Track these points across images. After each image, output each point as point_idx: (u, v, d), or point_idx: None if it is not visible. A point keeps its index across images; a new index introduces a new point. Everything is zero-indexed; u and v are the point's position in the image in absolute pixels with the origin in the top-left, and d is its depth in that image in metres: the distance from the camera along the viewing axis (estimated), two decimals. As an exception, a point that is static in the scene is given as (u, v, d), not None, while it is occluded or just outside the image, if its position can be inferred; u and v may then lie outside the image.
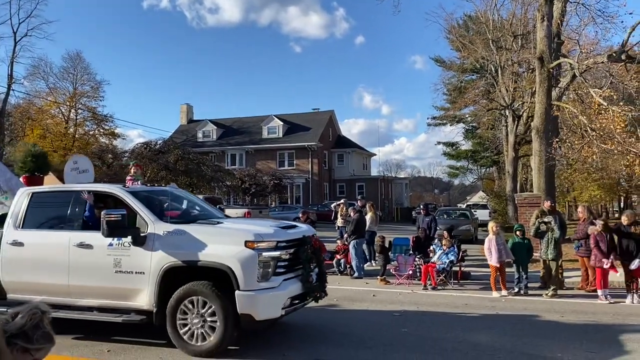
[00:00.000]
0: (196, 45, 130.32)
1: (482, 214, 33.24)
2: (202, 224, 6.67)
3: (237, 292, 5.87)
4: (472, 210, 29.89)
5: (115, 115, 72.52)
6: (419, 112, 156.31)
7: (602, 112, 15.63)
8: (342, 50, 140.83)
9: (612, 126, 14.90)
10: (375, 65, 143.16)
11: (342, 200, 18.13)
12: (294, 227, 7.10)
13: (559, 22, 17.58)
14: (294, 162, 46.14)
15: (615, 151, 15.39)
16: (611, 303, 9.77)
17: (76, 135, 43.42)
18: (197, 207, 8.07)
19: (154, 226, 6.35)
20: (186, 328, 6.10)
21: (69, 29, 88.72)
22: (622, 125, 15.03)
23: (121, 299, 6.43)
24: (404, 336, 7.21)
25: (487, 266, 11.72)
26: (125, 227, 6.22)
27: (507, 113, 35.62)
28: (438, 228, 14.85)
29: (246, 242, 6.02)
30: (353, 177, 49.64)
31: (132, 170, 8.02)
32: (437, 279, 11.84)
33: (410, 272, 12.54)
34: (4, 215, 7.44)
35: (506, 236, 12.32)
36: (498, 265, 10.99)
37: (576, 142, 17.18)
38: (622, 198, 51.20)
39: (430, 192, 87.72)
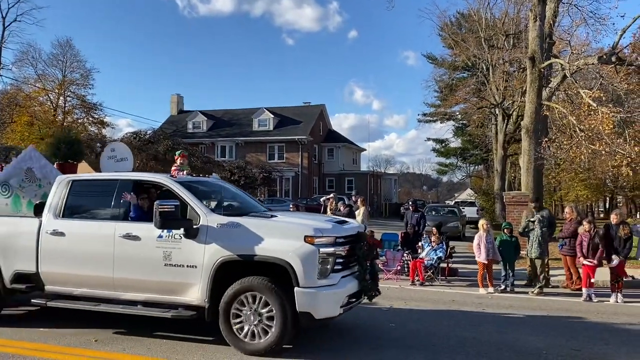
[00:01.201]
0: (187, 35, 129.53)
1: (470, 212, 33.45)
2: (257, 217, 6.38)
3: (296, 289, 5.63)
4: (460, 208, 30.06)
5: (105, 103, 72.02)
6: (409, 108, 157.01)
7: (592, 113, 15.76)
8: (335, 44, 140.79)
9: (600, 127, 15.04)
10: (367, 60, 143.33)
11: (331, 195, 18.14)
12: (346, 222, 6.80)
13: (551, 22, 17.68)
14: (284, 156, 46.06)
15: (603, 152, 15.54)
16: (596, 302, 9.91)
17: (64, 123, 42.93)
18: (242, 199, 7.81)
19: (207, 218, 6.09)
20: (240, 325, 5.87)
21: (59, 15, 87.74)
22: (611, 126, 15.18)
23: (169, 293, 6.18)
24: (391, 331, 7.26)
25: (475, 263, 11.83)
26: (178, 219, 5.97)
27: (497, 112, 35.81)
28: (427, 224, 14.93)
29: (306, 237, 5.77)
30: (343, 171, 49.69)
31: (178, 160, 7.61)
32: (425, 275, 11.93)
33: (399, 267, 12.62)
34: (41, 205, 7.19)
35: (494, 234, 12.42)
36: (486, 263, 11.10)
37: (565, 142, 17.33)
38: (608, 198, 51.86)
39: (419, 189, 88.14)
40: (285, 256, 5.71)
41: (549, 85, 18.73)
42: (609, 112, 15.08)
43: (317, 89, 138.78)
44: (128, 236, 6.35)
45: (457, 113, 48.11)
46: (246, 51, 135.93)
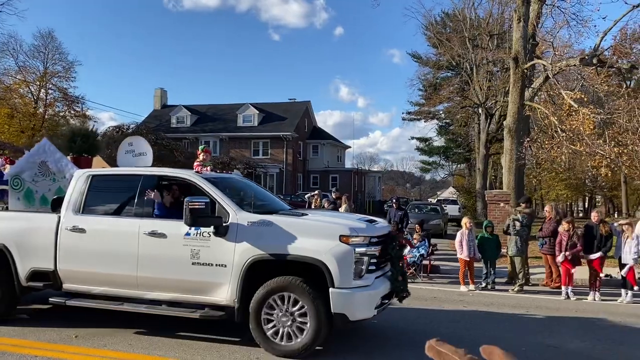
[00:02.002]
0: (172, 29, 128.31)
1: (452, 209, 33.74)
2: (288, 216, 6.21)
3: (331, 289, 5.49)
4: (443, 206, 30.32)
5: (87, 96, 71.03)
6: (394, 107, 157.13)
7: (573, 113, 16.02)
8: (321, 41, 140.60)
9: (581, 128, 15.29)
10: (353, 57, 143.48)
11: (316, 192, 18.17)
12: (376, 221, 6.60)
13: (535, 23, 17.89)
14: (269, 152, 45.94)
15: (584, 152, 15.80)
16: (574, 300, 10.10)
17: (46, 116, 42.29)
18: (267, 197, 7.66)
19: (236, 216, 5.92)
20: (272, 326, 5.73)
21: (41, 7, 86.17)
22: (591, 127, 15.44)
23: (196, 292, 6.02)
24: (370, 326, 7.31)
25: (456, 260, 11.96)
26: (209, 216, 5.81)
27: (480, 111, 36.18)
28: (410, 222, 15.04)
29: (341, 236, 5.62)
30: (327, 168, 49.74)
31: (201, 156, 7.34)
32: (407, 272, 12.02)
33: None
34: (59, 200, 6.98)
35: (476, 232, 12.56)
36: (468, 260, 11.23)
37: (546, 142, 17.56)
38: (587, 198, 52.70)
39: (402, 186, 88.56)
40: (320, 256, 5.56)
41: (532, 86, 18.97)
42: (589, 113, 15.34)
43: (303, 85, 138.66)
44: (153, 234, 6.17)
45: (441, 112, 48.48)
46: (231, 46, 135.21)
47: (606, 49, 17.27)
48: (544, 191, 49.44)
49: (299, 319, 5.66)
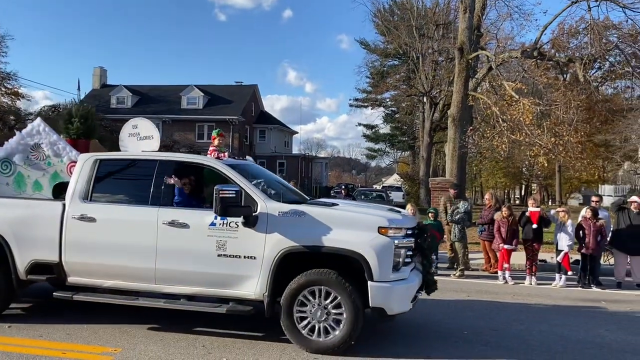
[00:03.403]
0: (113, 6, 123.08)
1: (396, 196, 34.38)
2: (320, 206, 5.96)
3: (370, 283, 5.32)
4: (388, 192, 30.81)
5: (20, 73, 67.13)
6: (342, 93, 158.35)
7: (513, 104, 16.55)
8: (269, 23, 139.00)
9: (521, 118, 15.83)
10: (301, 41, 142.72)
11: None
12: (400, 212, 6.40)
13: (480, 15, 18.30)
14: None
15: (523, 142, 16.38)
16: (512, 284, 10.48)
17: (-27, 92, 39.62)
18: (287, 186, 7.28)
19: (266, 205, 5.64)
20: (305, 321, 5.51)
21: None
22: (531, 117, 16.01)
23: (221, 286, 5.74)
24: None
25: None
26: (239, 206, 5.51)
27: (425, 100, 36.86)
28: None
29: (379, 228, 5.45)
30: (274, 154, 49.45)
31: (215, 141, 6.91)
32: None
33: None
34: (61, 186, 6.46)
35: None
36: (411, 246, 11.40)
37: (488, 131, 18.10)
38: (524, 186, 55.01)
39: (349, 173, 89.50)
40: (358, 248, 5.36)
41: (475, 76, 19.45)
42: (529, 104, 15.89)
43: (250, 68, 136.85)
44: (174, 223, 5.80)
45: (388, 100, 49.09)
46: (175, 25, 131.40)
47: (546, 43, 17.96)
48: (484, 179, 51.23)
49: (334, 314, 5.45)
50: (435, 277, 6.61)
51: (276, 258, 5.50)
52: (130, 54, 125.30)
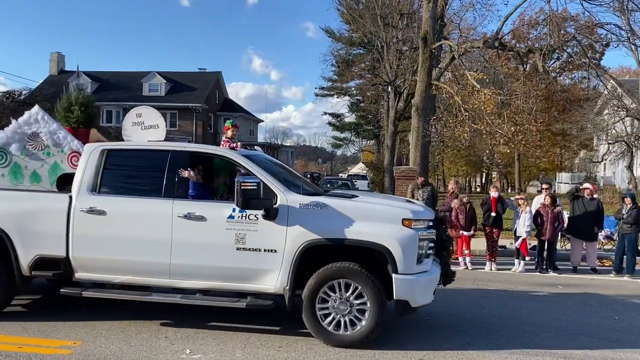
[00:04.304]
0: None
1: (361, 185, 34.63)
2: (340, 198, 5.83)
3: (395, 276, 5.29)
4: (353, 181, 31.01)
5: (-30, 58, 64.14)
6: (308, 81, 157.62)
7: (475, 93, 16.83)
8: (234, 9, 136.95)
9: (483, 108, 16.12)
10: (266, 28, 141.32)
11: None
12: (414, 204, 6.38)
13: (443, 4, 18.46)
14: (177, 123, 44.36)
15: (484, 131, 16.70)
16: (472, 269, 10.73)
17: None
18: (301, 178, 7.03)
19: (286, 197, 5.53)
20: (328, 315, 5.45)
21: None
22: (492, 107, 16.32)
23: (240, 280, 5.61)
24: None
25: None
26: (261, 198, 5.34)
27: (389, 89, 37.05)
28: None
29: (403, 220, 5.40)
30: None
31: (229, 132, 6.70)
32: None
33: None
34: (65, 177, 6.14)
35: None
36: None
37: (450, 120, 18.38)
38: (484, 174, 56.24)
39: (314, 161, 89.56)
40: (382, 241, 5.32)
41: (439, 66, 19.66)
42: (490, 93, 16.19)
43: (214, 55, 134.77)
44: (190, 216, 5.62)
45: (353, 89, 49.19)
46: (136, 10, 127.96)
47: (507, 33, 18.34)
48: (446, 167, 52.11)
49: (358, 307, 5.41)
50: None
51: (298, 251, 5.42)
52: (89, 39, 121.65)
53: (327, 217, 5.46)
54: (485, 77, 17.29)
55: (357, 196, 6.12)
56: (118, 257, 5.78)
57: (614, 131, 30.33)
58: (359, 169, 60.61)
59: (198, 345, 5.47)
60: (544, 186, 11.96)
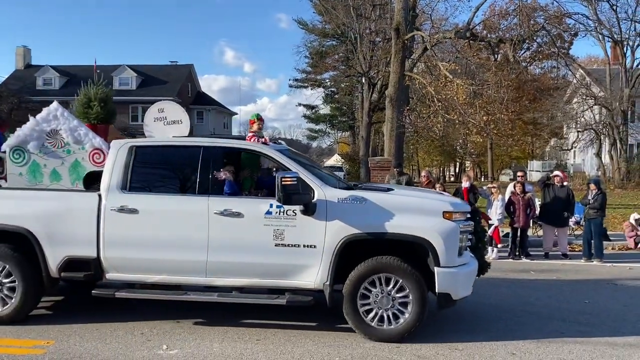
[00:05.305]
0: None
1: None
2: (377, 191, 5.72)
3: (437, 269, 5.27)
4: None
5: None
6: (282, 73, 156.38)
7: (448, 84, 17.01)
8: (205, 0, 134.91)
9: (455, 98, 16.30)
10: (239, 19, 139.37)
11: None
12: (444, 195, 6.39)
13: (416, -5, 18.57)
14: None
15: (457, 121, 16.89)
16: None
17: None
18: (328, 172, 6.90)
19: (323, 192, 5.45)
20: (369, 310, 5.40)
21: None
22: (464, 97, 16.52)
23: (278, 277, 5.52)
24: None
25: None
26: (300, 193, 5.25)
27: (363, 80, 37.17)
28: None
29: (444, 212, 5.39)
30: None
31: (254, 125, 6.55)
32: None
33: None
34: (92, 175, 5.96)
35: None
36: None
37: (424, 111, 18.53)
38: (458, 163, 56.97)
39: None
40: (424, 234, 5.30)
41: (412, 57, 19.79)
42: (462, 83, 16.37)
43: (185, 47, 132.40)
44: (227, 213, 5.50)
45: (327, 80, 49.14)
46: (106, 1, 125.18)
47: (478, 24, 18.52)
48: (420, 158, 52.61)
49: (400, 301, 5.38)
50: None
51: (338, 246, 5.36)
52: (56, 31, 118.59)
53: (367, 211, 5.41)
54: (457, 67, 17.50)
55: (392, 189, 6.08)
56: (152, 256, 5.64)
57: (582, 119, 31.05)
58: (334, 160, 60.64)
59: (175, 340, 5.43)
60: (519, 174, 12.20)
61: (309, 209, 5.38)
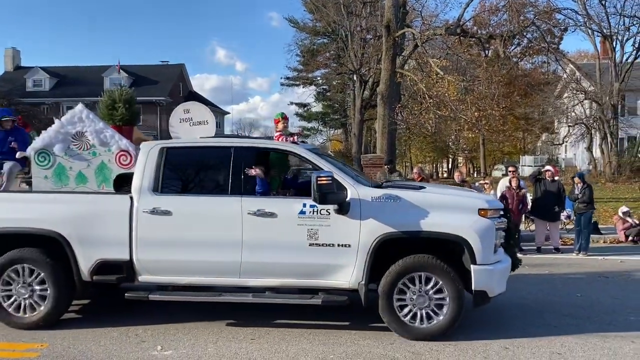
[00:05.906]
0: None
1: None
2: (410, 190, 5.69)
3: (473, 267, 5.24)
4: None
5: None
6: (273, 72, 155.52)
7: (439, 80, 17.06)
8: None
9: (446, 94, 16.35)
10: (230, 18, 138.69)
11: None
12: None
13: (406, -8, 18.60)
14: (141, 118, 42.95)
15: (449, 117, 16.95)
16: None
17: None
18: (357, 171, 6.81)
19: (357, 191, 5.42)
20: (406, 309, 5.38)
21: None
22: (455, 93, 16.57)
23: (312, 277, 5.49)
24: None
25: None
26: (335, 192, 5.22)
27: (355, 78, 37.17)
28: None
29: (479, 210, 5.38)
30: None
31: (280, 124, 6.47)
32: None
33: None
34: (123, 178, 5.92)
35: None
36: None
37: (415, 107, 18.58)
38: (451, 159, 57.12)
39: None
40: (460, 232, 5.28)
41: (403, 54, 19.82)
42: (454, 80, 16.42)
43: (176, 47, 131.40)
44: (260, 213, 5.48)
45: (319, 78, 49.09)
46: (96, 2, 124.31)
47: (468, 20, 18.54)
48: (413, 154, 52.71)
49: (436, 300, 5.37)
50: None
51: (373, 245, 5.33)
52: (46, 32, 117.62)
53: (401, 210, 5.39)
54: (448, 63, 17.54)
55: (424, 187, 6.04)
56: (185, 258, 5.61)
57: (573, 114, 31.19)
58: (327, 158, 60.52)
59: (169, 341, 5.43)
60: (510, 169, 12.24)
61: (344, 208, 5.36)
